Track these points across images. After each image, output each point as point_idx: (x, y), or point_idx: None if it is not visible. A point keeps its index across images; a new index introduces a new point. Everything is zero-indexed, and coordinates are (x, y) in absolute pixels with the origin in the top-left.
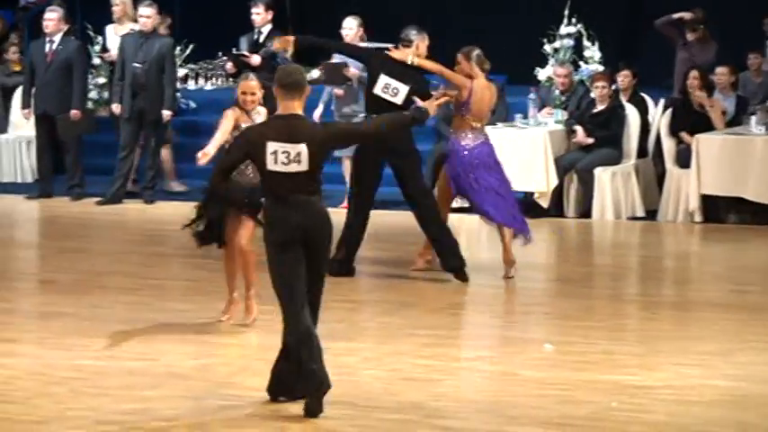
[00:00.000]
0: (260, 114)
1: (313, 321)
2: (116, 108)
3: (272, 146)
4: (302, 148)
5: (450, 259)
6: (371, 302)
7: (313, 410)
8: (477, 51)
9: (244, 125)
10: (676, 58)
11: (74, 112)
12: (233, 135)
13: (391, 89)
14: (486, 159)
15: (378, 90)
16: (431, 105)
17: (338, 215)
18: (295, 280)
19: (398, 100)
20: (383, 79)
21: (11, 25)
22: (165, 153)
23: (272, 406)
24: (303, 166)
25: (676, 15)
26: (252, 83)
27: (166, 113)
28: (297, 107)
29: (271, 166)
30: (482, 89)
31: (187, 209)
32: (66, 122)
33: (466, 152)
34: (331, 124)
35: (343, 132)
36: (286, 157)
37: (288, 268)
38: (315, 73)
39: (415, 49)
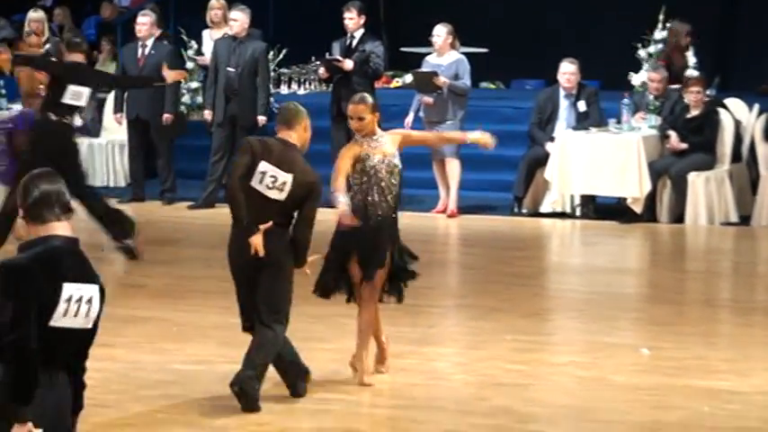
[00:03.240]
0: (383, 137)
1: None
2: (208, 114)
3: (263, 166)
4: (289, 178)
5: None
6: (462, 307)
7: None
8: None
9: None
10: None
11: (166, 116)
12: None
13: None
14: None
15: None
16: None
17: (431, 219)
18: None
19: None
20: None
21: (94, 38)
22: None
23: (372, 410)
24: (282, 195)
25: None
26: (359, 106)
27: (260, 119)
28: (293, 136)
29: (255, 183)
30: None
31: None
32: (159, 126)
33: None
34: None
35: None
36: (272, 181)
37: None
38: (408, 78)
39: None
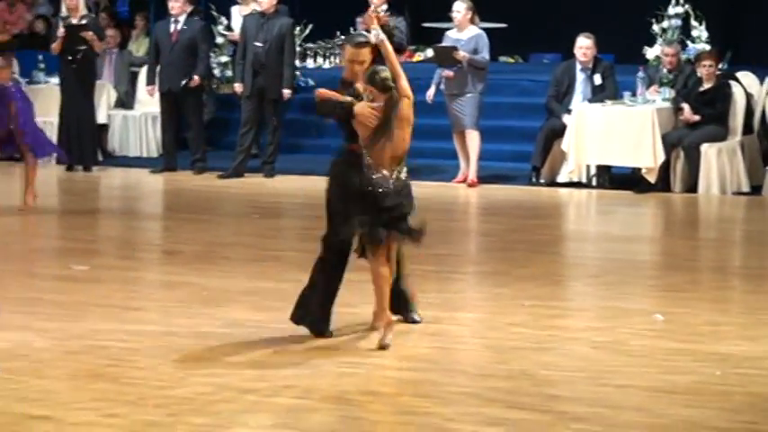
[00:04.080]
0: None
1: None
2: (238, 87)
3: None
4: None
5: None
6: (481, 274)
7: None
8: None
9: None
10: None
11: (196, 78)
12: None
13: None
14: None
15: None
16: None
17: (452, 189)
18: None
19: None
20: None
21: (127, 15)
22: None
23: (394, 373)
24: None
25: None
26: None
27: (286, 92)
28: None
29: None
30: None
31: (304, 183)
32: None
33: None
34: None
35: None
36: None
37: None
38: (429, 52)
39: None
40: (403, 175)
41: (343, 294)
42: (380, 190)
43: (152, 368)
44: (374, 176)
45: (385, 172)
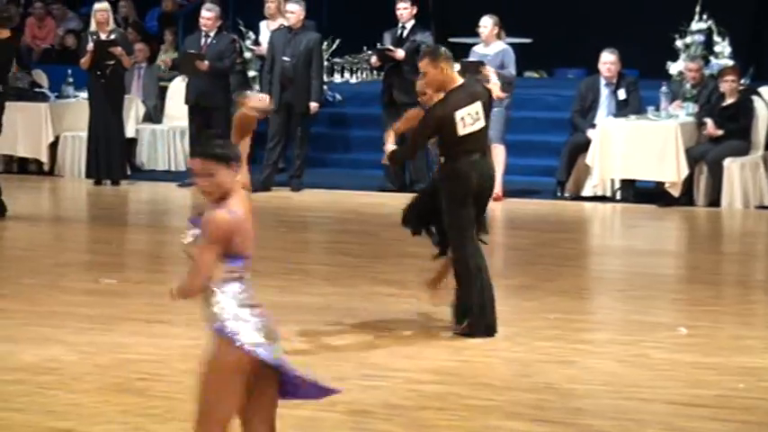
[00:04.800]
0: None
1: None
2: None
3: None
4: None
5: None
6: (508, 287)
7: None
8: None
9: None
10: None
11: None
12: None
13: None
14: None
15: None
16: None
17: None
18: None
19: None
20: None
21: (156, 29)
22: None
23: (419, 386)
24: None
25: None
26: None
27: (314, 105)
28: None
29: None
30: None
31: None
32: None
33: None
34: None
35: None
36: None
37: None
38: (456, 67)
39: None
40: None
41: (369, 308)
42: None
43: (179, 381)
44: None
45: None
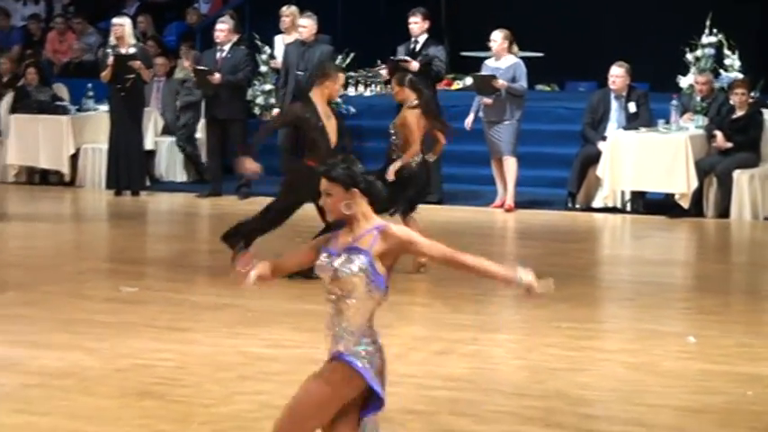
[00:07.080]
0: None
1: None
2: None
3: None
4: None
5: None
6: (519, 297)
7: None
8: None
9: None
10: None
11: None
12: None
13: None
14: None
15: None
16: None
17: (489, 214)
18: None
19: None
20: None
21: (174, 44)
22: None
23: (432, 392)
24: None
25: None
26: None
27: None
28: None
29: None
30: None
31: None
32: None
33: None
34: None
35: None
36: None
37: None
38: (468, 80)
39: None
40: None
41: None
42: None
43: (198, 386)
44: None
45: None
